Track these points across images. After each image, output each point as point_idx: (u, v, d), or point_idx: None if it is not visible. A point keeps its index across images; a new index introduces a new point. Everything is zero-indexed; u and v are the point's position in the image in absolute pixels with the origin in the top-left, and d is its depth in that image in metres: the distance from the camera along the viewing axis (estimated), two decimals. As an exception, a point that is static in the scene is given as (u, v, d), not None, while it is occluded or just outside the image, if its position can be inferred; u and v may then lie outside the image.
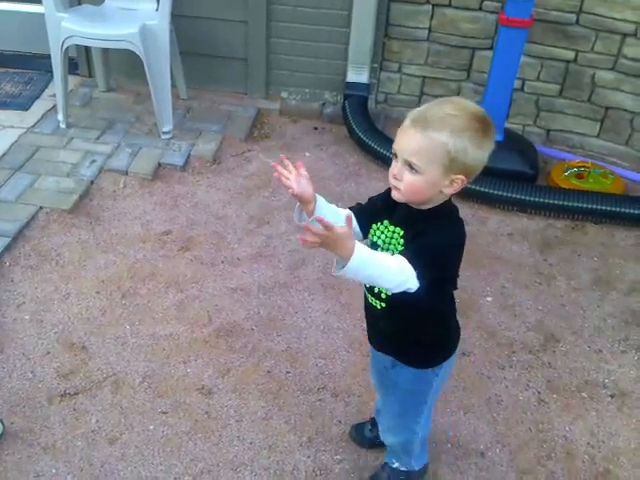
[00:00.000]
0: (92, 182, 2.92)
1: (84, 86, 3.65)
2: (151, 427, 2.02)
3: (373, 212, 1.45)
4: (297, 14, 3.45)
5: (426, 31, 3.42)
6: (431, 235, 1.31)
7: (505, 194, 2.98)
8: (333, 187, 3.13)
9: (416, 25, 3.41)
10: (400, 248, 1.35)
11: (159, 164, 3.09)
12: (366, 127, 3.37)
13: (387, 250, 1.39)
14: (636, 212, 2.91)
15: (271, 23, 3.50)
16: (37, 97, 3.50)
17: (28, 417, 1.99)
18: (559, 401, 2.15)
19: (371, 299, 1.49)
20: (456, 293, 1.54)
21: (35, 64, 3.71)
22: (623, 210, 2.92)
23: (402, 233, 1.36)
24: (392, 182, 1.32)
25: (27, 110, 3.38)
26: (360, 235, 1.46)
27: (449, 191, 1.31)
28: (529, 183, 3.10)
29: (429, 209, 1.34)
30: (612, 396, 2.17)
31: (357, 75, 3.52)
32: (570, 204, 2.94)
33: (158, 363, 2.20)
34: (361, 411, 2.08)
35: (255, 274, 2.59)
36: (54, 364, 2.16)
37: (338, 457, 1.95)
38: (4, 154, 3.02)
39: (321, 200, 1.46)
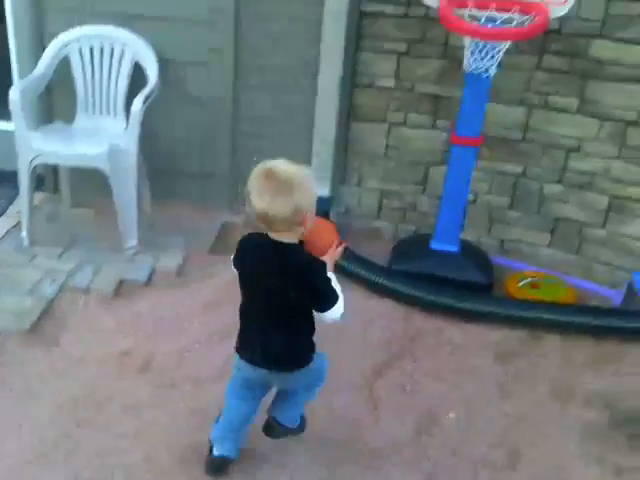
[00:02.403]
0: (52, 301, 2.90)
1: (50, 202, 3.70)
2: None
3: None
4: (261, 134, 3.61)
5: (383, 148, 3.60)
6: None
7: (462, 305, 3.05)
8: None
9: (374, 142, 3.59)
10: None
11: (122, 280, 3.10)
12: (328, 240, 3.46)
13: None
14: (590, 322, 2.99)
15: (236, 140, 3.64)
16: (1, 213, 3.53)
17: None
18: (524, 522, 2.12)
19: None
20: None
21: (1, 180, 3.77)
22: (577, 320, 3.00)
23: None
24: None
25: (-9, 227, 3.40)
26: None
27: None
28: (485, 293, 3.19)
29: None
30: (576, 516, 2.16)
31: (319, 189, 3.63)
32: (527, 315, 3.02)
33: (113, 495, 2.13)
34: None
35: (219, 394, 2.55)
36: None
37: None
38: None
39: None
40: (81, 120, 3.47)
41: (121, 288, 3.09)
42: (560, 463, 2.35)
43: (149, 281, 3.16)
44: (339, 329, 2.94)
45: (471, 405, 2.59)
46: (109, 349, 2.73)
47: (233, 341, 2.82)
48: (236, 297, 3.18)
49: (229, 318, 2.98)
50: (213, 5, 3.32)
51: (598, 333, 2.98)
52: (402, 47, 3.33)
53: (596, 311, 3.11)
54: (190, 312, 3.00)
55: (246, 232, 3.64)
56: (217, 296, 3.12)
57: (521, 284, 3.26)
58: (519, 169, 3.45)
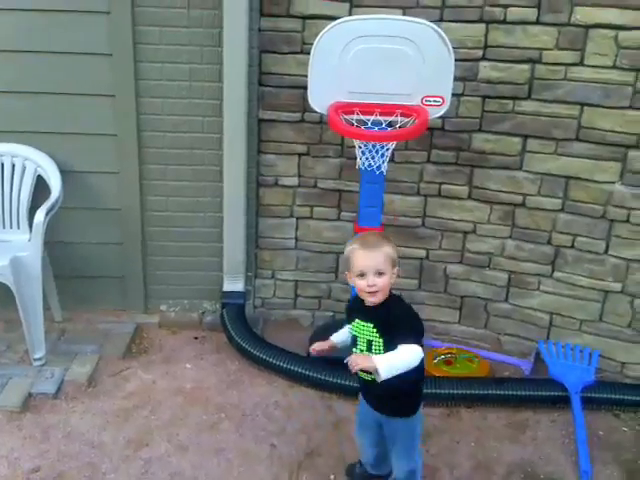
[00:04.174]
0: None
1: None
2: None
3: (349, 316, 2.26)
4: (172, 233, 3.64)
5: (293, 241, 3.71)
6: (402, 314, 2.11)
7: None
8: (215, 397, 3.11)
9: (283, 236, 3.70)
10: (373, 336, 2.10)
11: (29, 394, 2.96)
12: (245, 333, 3.46)
13: (361, 337, 2.16)
14: (504, 393, 3.10)
15: (146, 242, 3.65)
16: None
17: None
18: None
19: (365, 376, 2.17)
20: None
21: None
22: (492, 392, 3.10)
23: (372, 325, 2.10)
24: (369, 290, 2.06)
25: None
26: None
27: (394, 280, 2.12)
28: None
29: (385, 300, 2.10)
30: None
31: (233, 284, 3.68)
32: (443, 391, 3.09)
33: None
34: None
35: (134, 506, 2.44)
36: None
37: None
38: None
39: (336, 337, 2.40)
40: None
41: (29, 402, 2.95)
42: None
43: (59, 392, 3.03)
44: (261, 422, 2.92)
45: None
46: (17, 468, 2.57)
47: (148, 448, 2.75)
48: (150, 401, 3.10)
49: (143, 425, 2.90)
50: (117, 122, 3.41)
51: (513, 403, 3.08)
52: (302, 148, 3.51)
53: (509, 382, 3.22)
54: (102, 423, 2.88)
55: (161, 332, 3.66)
56: (130, 402, 3.03)
57: (435, 361, 3.35)
58: (422, 252, 3.62)
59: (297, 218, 3.66)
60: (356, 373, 2.11)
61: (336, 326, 3.60)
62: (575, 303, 3.39)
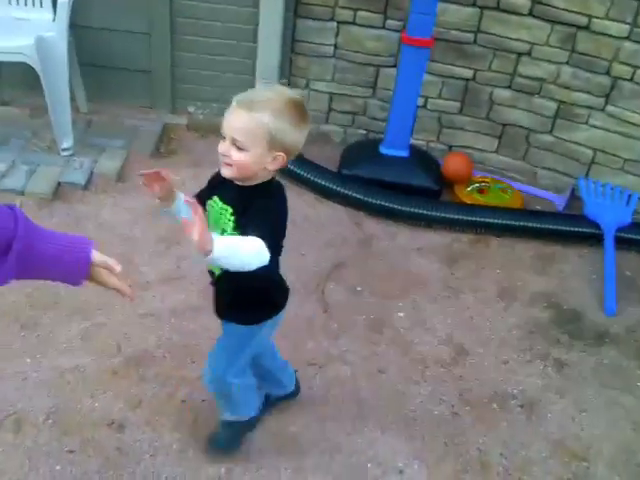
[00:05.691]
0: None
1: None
2: (58, 467, 1.90)
3: (208, 189, 1.61)
4: (202, 27, 3.39)
5: (332, 48, 3.46)
6: (263, 206, 1.47)
7: (413, 210, 3.05)
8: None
9: (322, 42, 3.44)
10: (230, 224, 1.50)
11: (59, 183, 2.93)
12: (276, 143, 3.35)
13: (216, 224, 1.53)
14: (534, 225, 3.06)
15: (175, 36, 3.42)
16: None
17: None
18: (472, 413, 2.21)
19: (211, 265, 1.59)
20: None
21: None
22: (522, 224, 3.06)
23: (231, 211, 1.50)
24: (221, 159, 1.46)
25: None
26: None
27: (272, 167, 1.47)
28: (434, 199, 3.20)
29: (255, 185, 1.50)
30: (521, 406, 2.26)
31: (265, 91, 3.50)
32: (473, 219, 3.05)
33: (63, 398, 2.08)
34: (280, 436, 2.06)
35: (166, 298, 2.50)
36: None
37: (258, 486, 1.92)
38: None
39: (180, 195, 1.55)
40: (3, 10, 3.14)
41: (59, 191, 2.92)
42: (505, 358, 2.45)
43: (88, 184, 3.00)
44: (290, 233, 2.92)
45: (420, 306, 2.64)
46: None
47: (179, 246, 2.77)
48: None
49: (173, 225, 2.90)
50: None
51: (542, 236, 3.06)
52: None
53: (540, 215, 3.18)
54: (133, 218, 2.88)
55: (190, 135, 3.56)
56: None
57: (469, 189, 3.28)
58: (469, 73, 3.39)
59: (338, 22, 3.37)
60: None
61: (369, 145, 3.54)
62: (623, 141, 3.23)
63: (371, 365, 2.35)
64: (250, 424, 1.99)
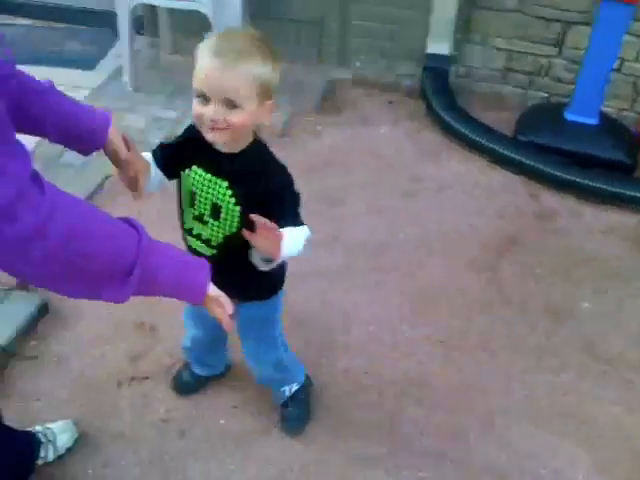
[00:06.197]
0: (159, 151, 2.78)
1: (150, 47, 3.49)
2: (222, 422, 1.90)
3: (179, 156, 1.40)
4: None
5: (516, 1, 3.15)
6: (285, 183, 1.36)
7: (600, 186, 2.73)
8: (411, 166, 2.93)
9: (505, -8, 3.15)
10: (228, 199, 1.35)
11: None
12: (446, 103, 3.15)
13: (202, 198, 1.38)
14: None
15: (348, -15, 3.27)
16: (102, 57, 3.36)
17: (96, 401, 1.89)
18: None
19: (198, 247, 1.44)
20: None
21: (100, 21, 3.56)
22: None
23: (226, 185, 1.35)
24: (208, 124, 1.25)
25: (92, 70, 3.25)
26: (163, 179, 1.43)
27: (267, 120, 1.31)
28: (626, 174, 2.85)
29: (244, 151, 1.34)
30: None
31: (438, 46, 3.28)
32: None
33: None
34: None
35: (328, 257, 2.42)
36: (123, 344, 2.05)
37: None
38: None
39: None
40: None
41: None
42: None
43: (255, 137, 2.97)
44: (459, 200, 2.74)
45: (609, 296, 2.35)
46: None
47: (344, 207, 2.69)
48: (344, 160, 3.00)
49: (337, 182, 2.81)
50: None
51: None
52: None
53: None
54: (295, 172, 2.80)
55: (355, 91, 3.44)
56: (322, 158, 2.93)
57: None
58: (677, 33, 2.97)
59: (527, -28, 3.07)
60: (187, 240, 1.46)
61: (551, 110, 3.22)
62: None
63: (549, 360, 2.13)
64: (308, 379, 1.92)
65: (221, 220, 1.37)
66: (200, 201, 1.38)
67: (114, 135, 1.31)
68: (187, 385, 1.95)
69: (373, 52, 3.44)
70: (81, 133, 1.27)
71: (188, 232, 1.45)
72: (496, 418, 1.93)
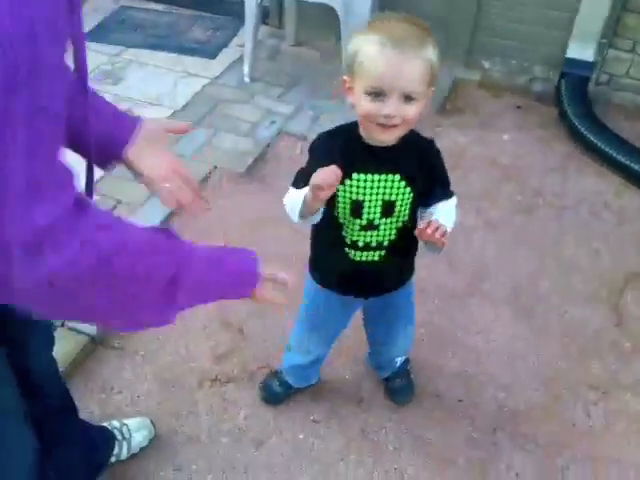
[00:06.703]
0: (269, 145, 2.72)
1: (272, 37, 3.45)
2: (301, 436, 1.81)
3: (345, 167, 1.23)
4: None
5: (675, 4, 2.80)
6: (437, 154, 1.35)
7: None
8: (534, 178, 2.70)
9: (666, -6, 2.80)
10: (407, 195, 1.31)
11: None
12: (583, 112, 2.87)
13: (372, 198, 1.31)
14: None
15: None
16: (225, 45, 3.36)
17: (175, 399, 1.86)
18: None
19: (365, 257, 1.39)
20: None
21: (226, 9, 3.55)
22: None
23: (399, 177, 1.29)
24: (383, 122, 1.17)
25: (214, 59, 3.25)
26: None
27: (426, 108, 1.23)
28: None
29: (403, 138, 1.25)
30: None
31: (580, 50, 2.99)
32: None
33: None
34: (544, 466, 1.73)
35: (432, 276, 2.26)
36: (209, 343, 2.01)
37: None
38: (187, 104, 2.91)
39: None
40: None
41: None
42: None
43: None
44: (584, 222, 2.48)
45: None
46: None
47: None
48: (459, 166, 2.81)
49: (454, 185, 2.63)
50: None
51: None
52: None
53: None
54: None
55: (481, 93, 3.22)
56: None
57: None
58: None
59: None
60: (344, 254, 1.39)
61: None
62: None
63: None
64: None
65: (394, 215, 1.34)
66: (369, 207, 1.32)
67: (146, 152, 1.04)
68: (277, 396, 1.86)
69: (505, 53, 3.20)
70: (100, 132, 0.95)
71: (352, 246, 1.38)
72: None
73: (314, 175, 1.12)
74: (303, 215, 1.25)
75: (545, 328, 2.10)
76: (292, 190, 1.29)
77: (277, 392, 1.86)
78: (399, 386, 1.88)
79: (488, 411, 1.86)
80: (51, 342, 1.31)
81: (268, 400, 1.86)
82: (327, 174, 1.11)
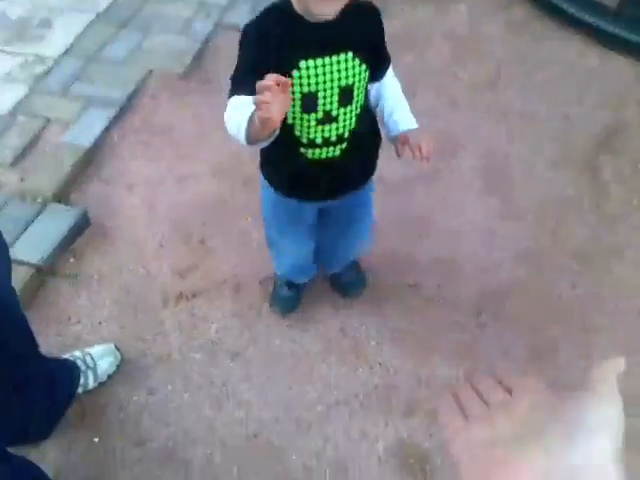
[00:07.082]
0: (207, 40, 2.49)
1: None
2: (277, 342, 1.73)
3: (276, 64, 1.08)
4: None
5: None
6: (379, 18, 1.19)
7: None
8: (489, 47, 2.53)
9: None
10: (363, 74, 1.16)
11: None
12: (540, -29, 2.67)
13: (326, 87, 1.13)
14: None
15: None
16: None
17: (140, 321, 1.74)
18: None
19: (325, 154, 1.24)
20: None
21: None
22: None
23: (351, 54, 1.13)
24: None
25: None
26: None
27: None
28: None
29: (344, 9, 1.08)
30: None
31: None
32: None
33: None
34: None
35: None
36: (169, 260, 1.88)
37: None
38: (108, 7, 2.62)
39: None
40: None
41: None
42: None
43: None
44: (552, 95, 2.35)
45: None
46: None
47: (414, 98, 2.33)
48: (416, 43, 2.60)
49: (409, 67, 2.45)
50: None
51: None
52: None
53: None
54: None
55: None
56: (396, 40, 2.54)
57: None
58: None
59: None
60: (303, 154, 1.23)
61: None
62: None
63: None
64: None
65: (354, 100, 1.18)
66: (325, 97, 1.15)
67: None
68: (290, 300, 1.76)
69: None
70: None
71: (309, 145, 1.22)
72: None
73: (255, 109, 0.96)
74: (251, 139, 1.06)
75: (520, 202, 2.01)
76: (232, 103, 1.10)
77: (289, 296, 1.76)
78: (350, 280, 1.79)
79: (469, 294, 1.79)
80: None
81: (283, 308, 1.76)
82: (271, 91, 0.93)
